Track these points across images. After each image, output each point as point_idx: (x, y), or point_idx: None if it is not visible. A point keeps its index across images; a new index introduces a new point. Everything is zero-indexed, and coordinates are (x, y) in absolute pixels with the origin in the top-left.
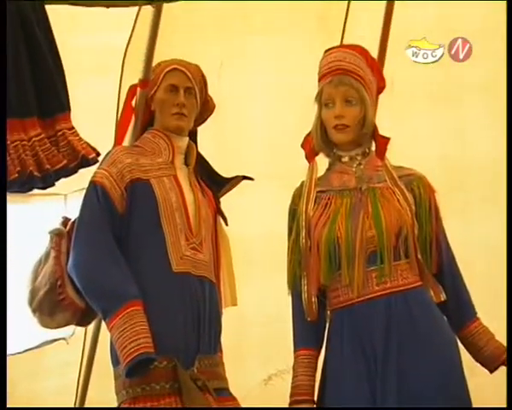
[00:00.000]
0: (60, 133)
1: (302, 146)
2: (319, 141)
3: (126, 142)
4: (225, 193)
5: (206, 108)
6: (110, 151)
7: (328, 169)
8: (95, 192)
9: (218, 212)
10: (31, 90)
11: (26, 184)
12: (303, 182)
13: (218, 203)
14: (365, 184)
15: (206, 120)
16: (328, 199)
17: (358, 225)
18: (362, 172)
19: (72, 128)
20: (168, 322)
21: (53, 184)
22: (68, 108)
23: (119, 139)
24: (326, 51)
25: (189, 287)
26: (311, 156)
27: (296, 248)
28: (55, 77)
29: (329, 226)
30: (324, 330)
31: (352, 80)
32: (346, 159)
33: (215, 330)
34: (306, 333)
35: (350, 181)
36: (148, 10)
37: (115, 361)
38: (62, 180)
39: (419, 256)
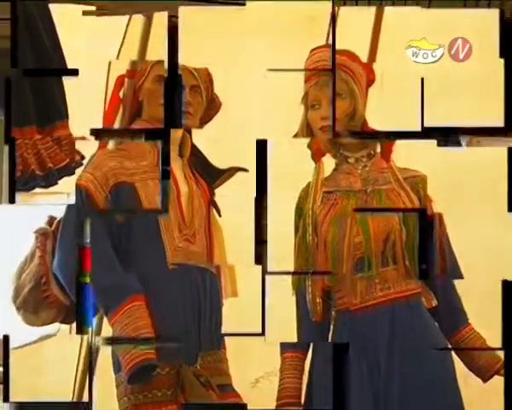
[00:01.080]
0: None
1: (309, 146)
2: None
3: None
4: (220, 185)
5: (212, 106)
6: (94, 154)
7: (334, 169)
8: (79, 195)
9: (212, 203)
10: (29, 100)
11: (28, 183)
12: (309, 183)
13: (212, 195)
14: (371, 186)
15: (212, 118)
16: (335, 200)
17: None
18: (367, 173)
19: (71, 135)
20: (167, 315)
21: (56, 183)
22: (67, 116)
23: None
24: (311, 51)
25: (188, 278)
26: (318, 156)
27: (303, 245)
28: (55, 86)
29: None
30: None
31: (340, 73)
32: (352, 160)
33: (216, 320)
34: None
35: (356, 183)
36: (139, 19)
37: (117, 368)
38: (65, 179)
39: (407, 263)
